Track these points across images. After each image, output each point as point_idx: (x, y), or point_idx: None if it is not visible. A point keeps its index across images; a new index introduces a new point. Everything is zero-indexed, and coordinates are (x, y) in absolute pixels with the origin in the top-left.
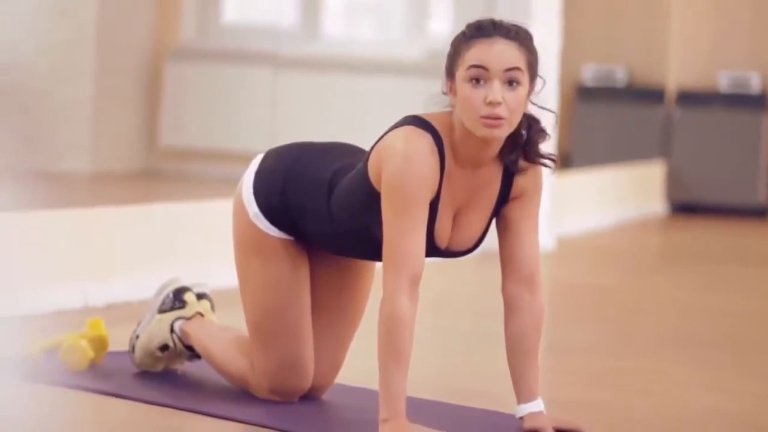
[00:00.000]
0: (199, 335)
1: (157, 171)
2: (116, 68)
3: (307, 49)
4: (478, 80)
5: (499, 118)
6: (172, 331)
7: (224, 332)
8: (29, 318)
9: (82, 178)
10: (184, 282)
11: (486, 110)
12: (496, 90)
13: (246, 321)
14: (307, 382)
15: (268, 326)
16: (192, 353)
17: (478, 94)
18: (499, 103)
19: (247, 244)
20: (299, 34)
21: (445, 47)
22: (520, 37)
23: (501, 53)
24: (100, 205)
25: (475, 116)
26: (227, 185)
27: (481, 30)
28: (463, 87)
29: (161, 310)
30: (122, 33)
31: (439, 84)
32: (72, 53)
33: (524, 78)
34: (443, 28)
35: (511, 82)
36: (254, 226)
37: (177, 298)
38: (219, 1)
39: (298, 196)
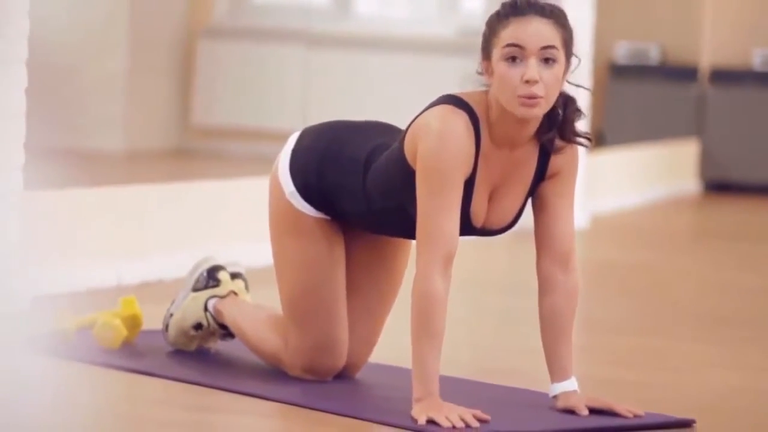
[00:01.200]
0: (233, 314)
1: (189, 149)
2: (149, 46)
3: (340, 27)
4: (514, 59)
5: (536, 96)
6: (206, 309)
7: (258, 311)
8: (63, 296)
9: (114, 156)
10: (219, 261)
11: (523, 89)
12: (533, 68)
13: (281, 299)
14: (340, 362)
15: (303, 305)
16: (225, 332)
17: (514, 72)
18: (536, 81)
19: (282, 222)
20: (331, 11)
21: (478, 25)
22: (555, 14)
23: (537, 31)
24: (133, 183)
25: (513, 95)
26: (260, 164)
27: (516, 8)
28: (499, 66)
29: (195, 289)
30: (155, 11)
31: (471, 62)
32: (105, 30)
33: (560, 56)
34: (476, 5)
35: (547, 60)
36: (290, 204)
37: (211, 277)
38: None
39: (334, 175)
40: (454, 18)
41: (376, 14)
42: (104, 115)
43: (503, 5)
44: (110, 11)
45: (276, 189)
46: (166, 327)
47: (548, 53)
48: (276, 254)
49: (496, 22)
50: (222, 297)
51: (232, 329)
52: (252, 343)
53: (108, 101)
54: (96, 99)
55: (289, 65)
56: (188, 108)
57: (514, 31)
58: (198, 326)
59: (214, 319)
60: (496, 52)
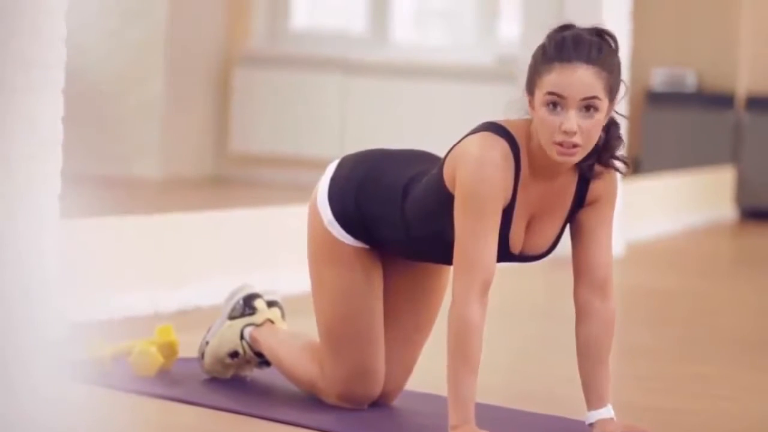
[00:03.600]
0: (269, 341)
1: (226, 177)
2: (186, 73)
3: (377, 54)
4: (555, 105)
5: (573, 146)
6: (242, 337)
7: (294, 339)
8: (100, 324)
9: (152, 184)
10: (255, 288)
11: (560, 137)
12: (572, 120)
13: (318, 327)
14: (377, 390)
15: (340, 333)
16: (261, 360)
17: (554, 119)
18: (575, 133)
19: (321, 251)
20: (368, 39)
21: (516, 52)
22: (602, 58)
23: (579, 82)
24: (170, 211)
25: (550, 140)
26: (297, 191)
27: (562, 52)
28: (540, 109)
29: (231, 317)
30: (192, 38)
31: (510, 89)
32: (142, 58)
33: (603, 103)
34: (513, 32)
35: (588, 108)
36: (329, 233)
37: (247, 305)
38: (289, 7)
39: (373, 203)
40: (492, 45)
41: (414, 42)
42: (141, 143)
43: (550, 41)
44: (147, 38)
45: (315, 217)
46: (202, 355)
47: (590, 103)
48: (314, 282)
49: (541, 62)
50: (258, 325)
51: (268, 357)
52: (288, 371)
53: (145, 128)
54: (133, 126)
55: (326, 93)
56: (225, 135)
57: (556, 79)
58: (234, 354)
59: (250, 347)
60: (539, 94)
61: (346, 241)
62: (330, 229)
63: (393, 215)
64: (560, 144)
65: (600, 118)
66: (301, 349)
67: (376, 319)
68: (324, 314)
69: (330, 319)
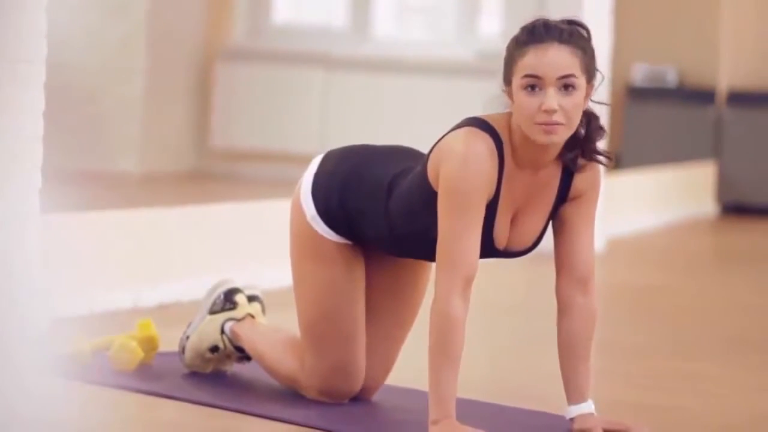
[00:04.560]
0: (250, 336)
1: (207, 172)
2: (167, 69)
3: (358, 49)
4: (533, 87)
5: (554, 123)
6: (222, 332)
7: (275, 333)
8: (80, 318)
9: (132, 179)
10: (236, 283)
11: (541, 116)
12: (551, 98)
13: (299, 322)
14: (357, 385)
15: (321, 329)
16: (242, 355)
17: (533, 101)
18: (555, 111)
19: (303, 246)
20: (350, 34)
21: (496, 47)
22: (574, 38)
23: (554, 60)
24: (151, 206)
25: (531, 122)
26: (278, 186)
27: (534, 35)
28: (518, 94)
29: (212, 311)
30: (173, 33)
31: (490, 85)
32: (123, 53)
33: (580, 82)
34: (494, 28)
35: (566, 87)
36: (311, 228)
37: (228, 300)
38: (270, 2)
39: (357, 200)
40: (473, 41)
41: (395, 37)
42: (122, 138)
43: (522, 30)
44: (128, 33)
45: (297, 213)
46: (183, 349)
47: (567, 81)
48: (296, 277)
49: (514, 49)
50: (239, 320)
51: (249, 352)
52: (269, 365)
53: (126, 124)
54: (114, 121)
55: (307, 88)
56: (206, 130)
57: (531, 61)
58: (214, 349)
59: (231, 341)
60: (516, 80)
61: (329, 237)
62: (313, 224)
63: (377, 213)
64: (542, 123)
65: (579, 98)
66: (282, 344)
67: (358, 314)
68: (305, 310)
69: (311, 315)
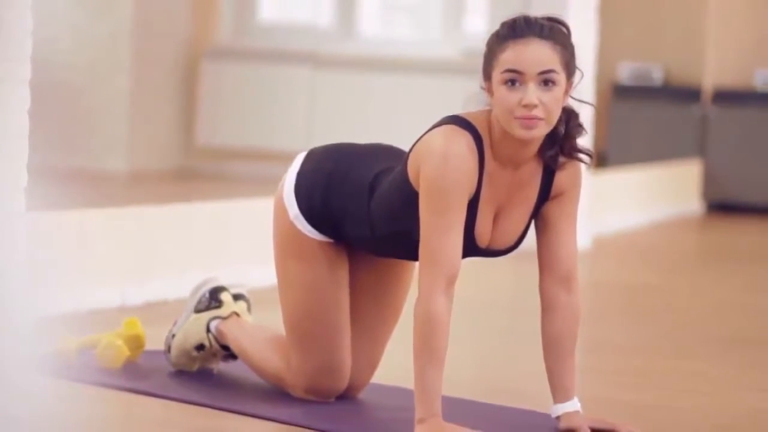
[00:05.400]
0: (236, 334)
1: (193, 170)
2: (153, 67)
3: (344, 48)
4: (513, 82)
5: (534, 118)
6: (208, 330)
7: (260, 331)
8: (66, 317)
9: (118, 177)
10: (221, 281)
11: (521, 111)
12: (531, 93)
13: (284, 321)
14: (343, 383)
15: (305, 327)
16: (227, 353)
17: (513, 96)
18: (535, 106)
19: (286, 244)
20: (336, 33)
21: (482, 46)
22: (555, 34)
23: (534, 56)
24: (137, 204)
25: (510, 117)
26: (264, 185)
27: (515, 30)
28: (498, 89)
29: (197, 310)
30: (159, 32)
31: (475, 83)
32: (108, 51)
33: (560, 78)
34: (479, 26)
35: (546, 82)
36: (294, 227)
37: (213, 298)
38: (256, 0)
39: (339, 199)
40: (458, 39)
41: (381, 36)
42: (108, 136)
43: (502, 25)
44: (113, 32)
45: (280, 211)
46: (168, 348)
47: (547, 76)
48: (279, 276)
49: (495, 44)
50: (224, 318)
51: (235, 350)
52: (254, 364)
53: (111, 122)
54: (99, 119)
55: (293, 86)
56: (192, 129)
57: (511, 56)
58: (200, 347)
59: (216, 340)
60: (496, 75)
61: (312, 236)
62: (295, 223)
63: (359, 212)
64: (521, 117)
65: (559, 94)
66: (267, 343)
67: (342, 313)
68: (289, 308)
69: (295, 314)
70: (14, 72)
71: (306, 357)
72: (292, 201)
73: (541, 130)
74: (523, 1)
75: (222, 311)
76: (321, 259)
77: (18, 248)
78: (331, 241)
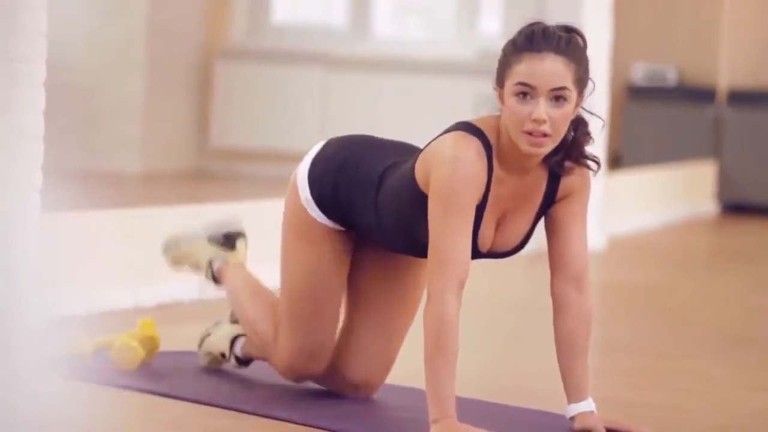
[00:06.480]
0: (236, 283)
1: (207, 171)
2: (167, 68)
3: (357, 48)
4: (524, 95)
5: (542, 135)
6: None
7: (261, 289)
8: (81, 318)
9: (132, 178)
10: (242, 227)
11: (530, 126)
12: (541, 108)
13: (280, 294)
14: (321, 367)
15: (299, 308)
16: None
17: (523, 109)
18: (544, 121)
19: (294, 224)
20: (349, 33)
21: (496, 47)
22: (571, 49)
23: (549, 72)
24: (150, 205)
25: (519, 129)
26: (277, 185)
27: (531, 43)
28: (509, 100)
29: (209, 238)
30: (173, 33)
31: (489, 84)
32: (123, 52)
33: (572, 94)
34: (493, 27)
35: (557, 98)
36: (304, 210)
37: (229, 239)
38: (269, 1)
39: (349, 188)
40: (472, 40)
41: (394, 36)
42: (122, 137)
43: (520, 34)
44: (128, 33)
45: (293, 192)
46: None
47: (559, 93)
48: (283, 252)
49: (511, 53)
50: (229, 263)
51: (230, 298)
52: (247, 321)
53: (126, 123)
54: (114, 120)
55: (306, 87)
56: (206, 129)
57: (526, 69)
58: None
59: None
60: (508, 85)
61: (320, 220)
62: (305, 206)
63: (367, 203)
64: (529, 133)
65: (569, 110)
66: (263, 304)
67: (335, 299)
68: (286, 285)
69: (291, 290)
70: (29, 73)
71: (293, 338)
72: (304, 185)
73: (546, 148)
74: (538, 2)
75: (231, 256)
76: (325, 244)
77: (32, 249)
78: (340, 229)
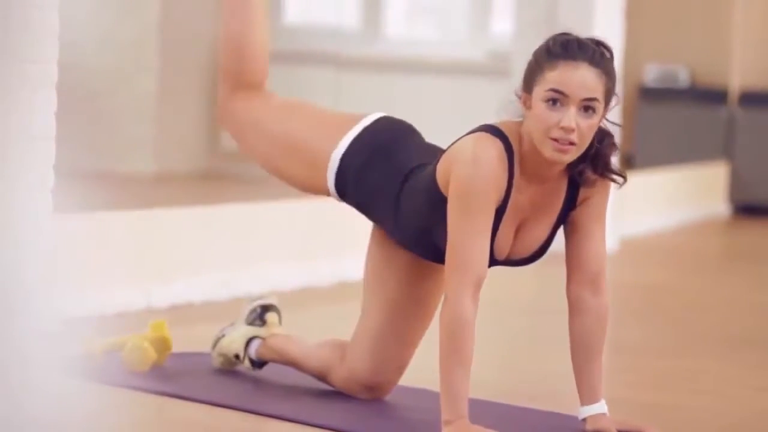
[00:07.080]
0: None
1: (219, 172)
2: (179, 69)
3: (369, 49)
4: (555, 102)
5: (569, 143)
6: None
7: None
8: (93, 319)
9: (144, 179)
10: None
11: (557, 133)
12: (571, 116)
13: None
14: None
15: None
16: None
17: (553, 116)
18: (573, 130)
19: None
20: (361, 34)
21: (508, 48)
22: (603, 62)
23: (583, 81)
24: (162, 206)
25: (546, 135)
26: (288, 187)
27: (567, 51)
28: (538, 105)
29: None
30: (185, 34)
31: (502, 85)
32: (135, 53)
33: (600, 105)
34: (505, 28)
35: (587, 109)
36: (327, 161)
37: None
38: (281, 3)
39: (376, 173)
40: (484, 41)
41: (406, 37)
42: (134, 138)
43: (554, 41)
44: (140, 34)
45: (338, 133)
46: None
47: (589, 104)
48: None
49: (544, 59)
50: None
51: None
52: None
53: (138, 124)
54: (126, 122)
55: (318, 87)
56: (218, 131)
57: (560, 76)
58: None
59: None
60: (538, 91)
61: (327, 183)
62: (330, 163)
63: (389, 196)
64: (556, 140)
65: (596, 122)
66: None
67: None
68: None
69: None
70: (41, 74)
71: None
72: (344, 145)
73: (571, 156)
74: (550, 4)
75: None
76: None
77: (44, 249)
78: (336, 197)
